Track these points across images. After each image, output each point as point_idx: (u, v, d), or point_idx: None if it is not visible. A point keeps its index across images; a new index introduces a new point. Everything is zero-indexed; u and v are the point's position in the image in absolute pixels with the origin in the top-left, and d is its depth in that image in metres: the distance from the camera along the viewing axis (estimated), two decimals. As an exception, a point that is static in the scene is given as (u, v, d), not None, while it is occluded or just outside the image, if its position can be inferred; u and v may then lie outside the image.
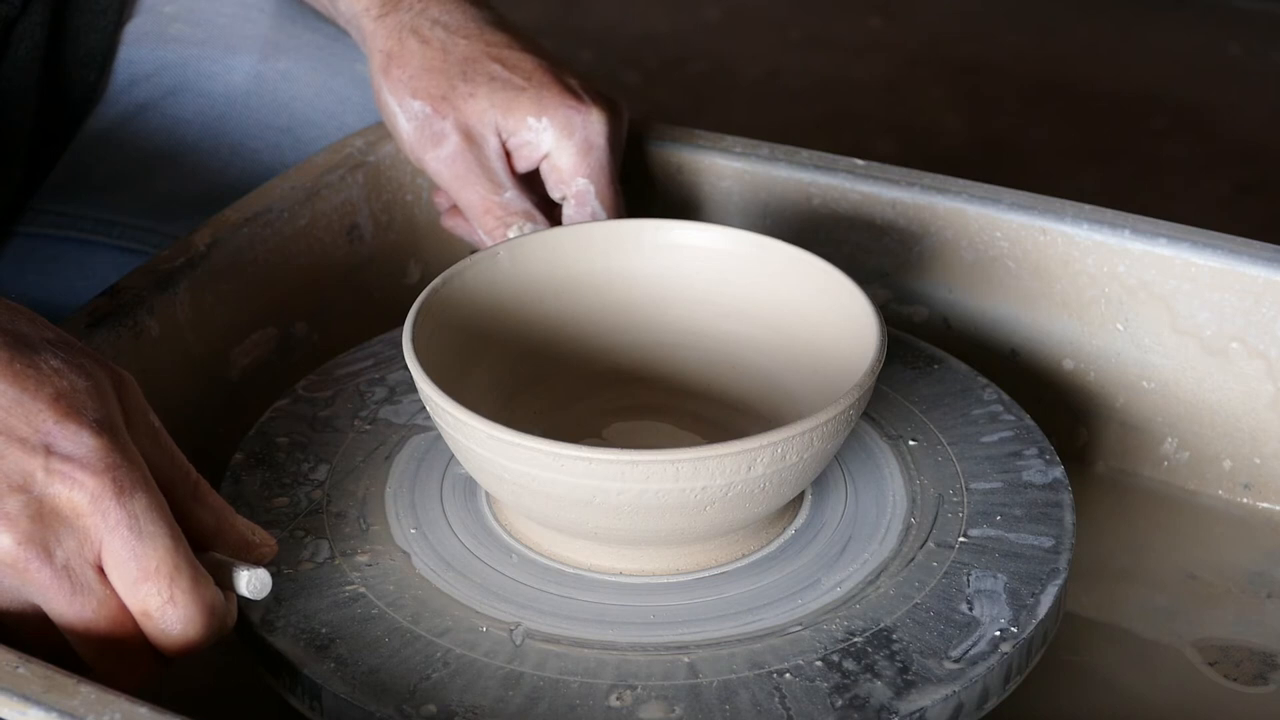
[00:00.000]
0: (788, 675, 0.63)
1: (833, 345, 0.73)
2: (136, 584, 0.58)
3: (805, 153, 0.92)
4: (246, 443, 0.76)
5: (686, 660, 0.64)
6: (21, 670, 0.56)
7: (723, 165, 0.93)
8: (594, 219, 0.81)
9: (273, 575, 0.68)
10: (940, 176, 0.89)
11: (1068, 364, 0.88)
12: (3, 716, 0.55)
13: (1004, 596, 0.67)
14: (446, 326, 0.72)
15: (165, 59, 0.99)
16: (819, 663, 0.64)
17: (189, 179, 0.97)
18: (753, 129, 1.02)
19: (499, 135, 0.84)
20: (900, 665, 0.63)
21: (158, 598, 0.58)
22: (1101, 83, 2.37)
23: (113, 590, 0.58)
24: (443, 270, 0.74)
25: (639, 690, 0.62)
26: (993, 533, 0.71)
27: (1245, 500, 0.86)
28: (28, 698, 0.55)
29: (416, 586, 0.68)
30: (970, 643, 0.65)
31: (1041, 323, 0.88)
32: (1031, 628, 0.66)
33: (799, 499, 0.73)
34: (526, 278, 0.76)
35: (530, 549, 0.70)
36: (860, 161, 0.90)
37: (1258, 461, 0.85)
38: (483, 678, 0.63)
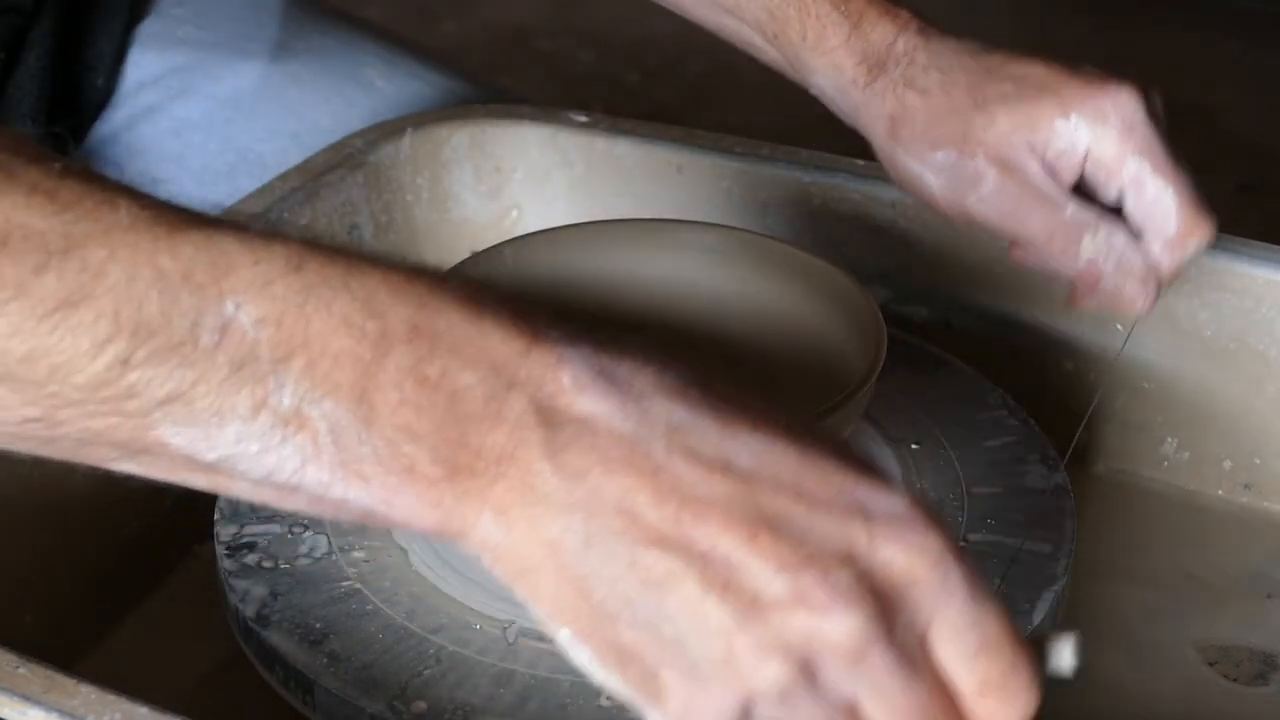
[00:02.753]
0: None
1: (833, 345, 0.73)
2: (976, 655, 0.47)
3: (805, 153, 0.92)
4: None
5: (686, 660, 0.64)
6: (21, 670, 0.56)
7: (723, 165, 0.93)
8: (1158, 203, 0.73)
9: (270, 571, 0.68)
10: (940, 176, 0.89)
11: (1068, 364, 0.88)
12: (3, 716, 0.55)
13: (1000, 601, 0.67)
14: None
15: (174, 62, 0.99)
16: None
17: (196, 182, 0.97)
18: (753, 129, 1.02)
19: (1035, 153, 0.75)
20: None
21: (1000, 666, 0.48)
22: (1102, 83, 2.37)
23: (938, 667, 0.48)
24: (443, 270, 0.74)
25: (637, 690, 0.62)
26: (992, 538, 0.71)
27: (1245, 500, 0.86)
28: (28, 698, 0.55)
29: (412, 583, 0.68)
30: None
31: (1041, 323, 0.88)
32: (1027, 633, 0.65)
33: (799, 499, 0.72)
34: (528, 277, 0.76)
35: (530, 549, 0.69)
36: (860, 161, 0.90)
37: (1258, 461, 0.85)
38: (474, 675, 0.63)
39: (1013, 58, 0.77)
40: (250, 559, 0.69)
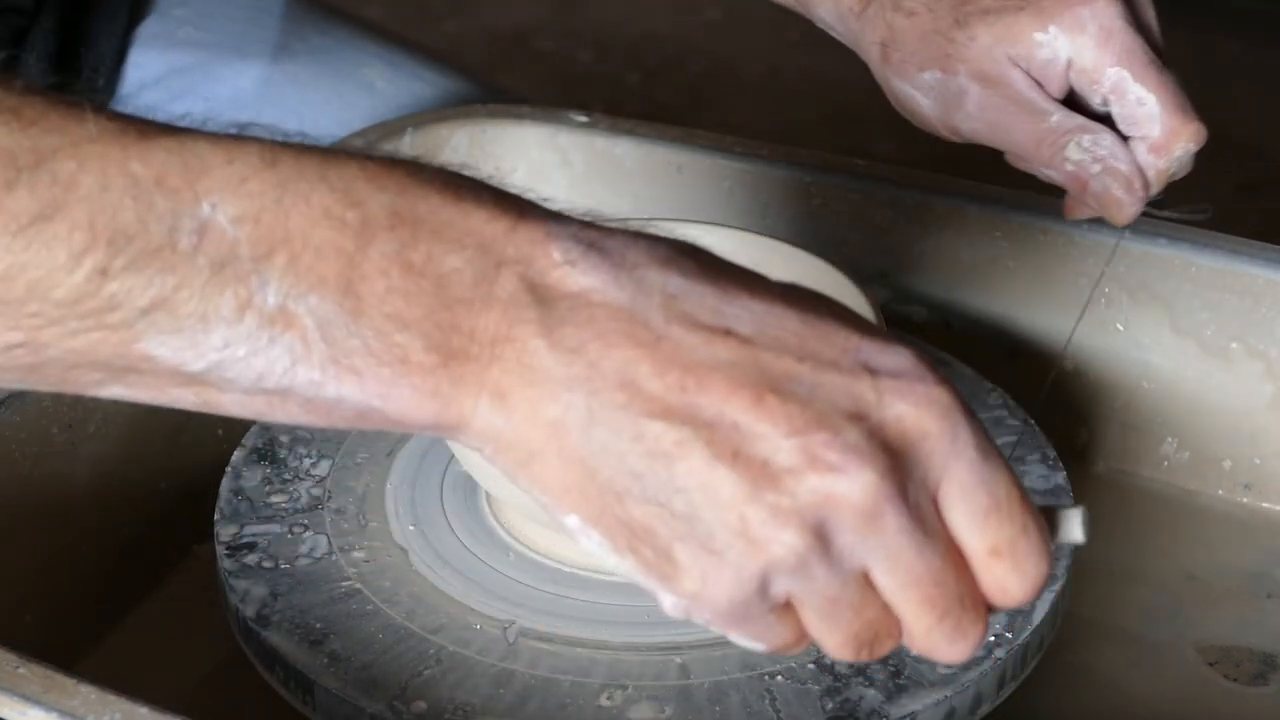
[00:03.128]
0: (779, 677, 0.63)
1: (833, 345, 0.73)
2: (986, 515, 0.46)
3: (805, 152, 0.92)
4: (249, 438, 0.76)
5: (679, 661, 0.64)
6: (21, 670, 0.56)
7: (723, 165, 0.93)
8: (1141, 106, 0.74)
9: (270, 571, 0.68)
10: (940, 176, 0.89)
11: (1068, 364, 0.88)
12: (3, 716, 0.55)
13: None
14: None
15: (175, 62, 0.99)
16: (811, 665, 0.63)
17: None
18: (753, 129, 1.02)
19: (1018, 66, 0.75)
20: (892, 669, 0.63)
21: (1011, 528, 0.46)
22: (1102, 83, 2.37)
23: (948, 529, 0.46)
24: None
25: (630, 690, 0.62)
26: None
27: (1245, 500, 0.86)
28: (28, 698, 0.55)
29: (412, 583, 0.68)
30: (967, 645, 0.65)
31: (1041, 323, 0.88)
32: (1027, 633, 0.65)
33: (799, 499, 0.72)
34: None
35: (528, 547, 0.69)
36: (860, 161, 0.90)
37: (1258, 461, 0.85)
38: (474, 675, 0.63)
39: None
40: (250, 559, 0.69)
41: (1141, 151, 0.74)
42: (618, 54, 2.50)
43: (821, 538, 0.44)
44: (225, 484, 0.73)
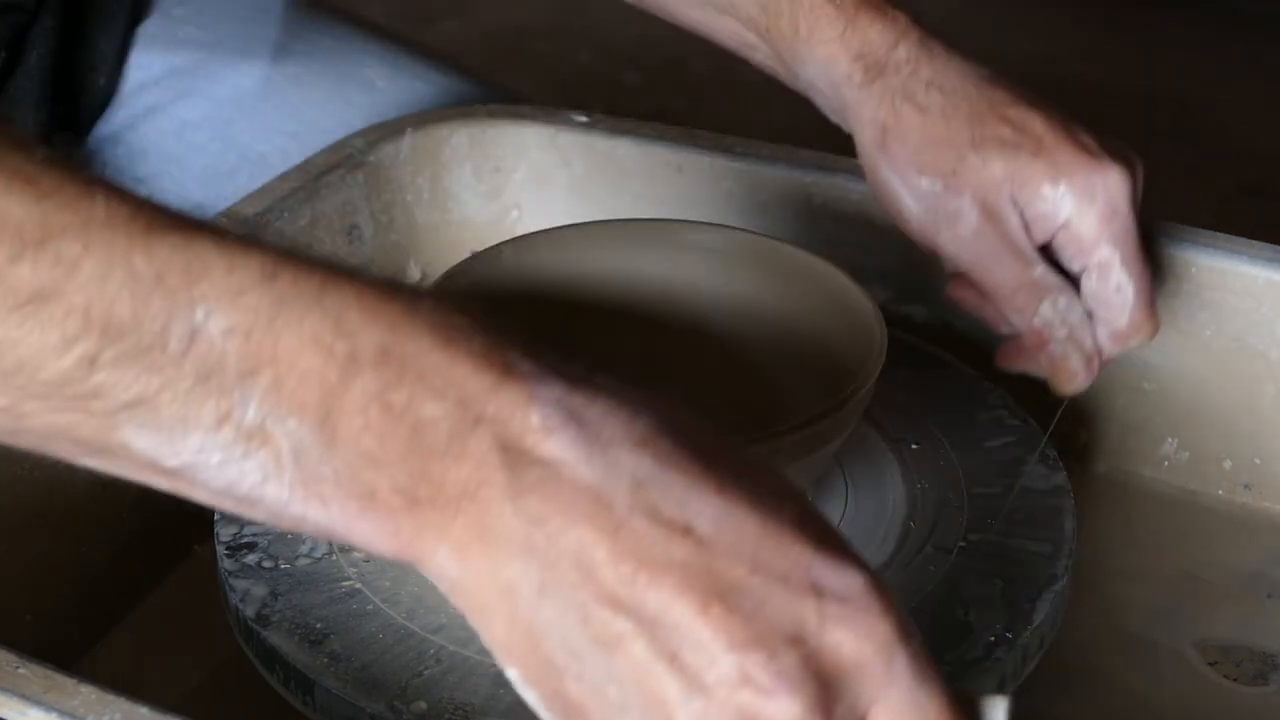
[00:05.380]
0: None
1: (833, 345, 0.73)
2: None
3: (805, 153, 0.92)
4: (246, 442, 0.76)
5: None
6: (21, 670, 0.56)
7: (723, 165, 0.93)
8: (1118, 293, 0.74)
9: (270, 571, 0.68)
10: (940, 176, 0.89)
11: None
12: (3, 716, 0.55)
13: (1000, 602, 0.67)
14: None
15: (175, 62, 0.99)
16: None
17: (197, 182, 0.97)
18: (753, 129, 1.02)
19: (1016, 207, 0.75)
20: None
21: None
22: (1102, 83, 2.37)
23: None
24: (443, 270, 0.74)
25: (637, 690, 0.62)
26: (992, 538, 0.71)
27: (1245, 500, 0.86)
28: (28, 698, 0.55)
29: (413, 583, 0.68)
30: (964, 647, 0.65)
31: (1041, 323, 0.88)
32: (1026, 634, 0.65)
33: (799, 499, 0.72)
34: (529, 277, 0.76)
35: (530, 549, 0.69)
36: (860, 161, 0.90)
37: (1258, 461, 0.85)
38: (474, 675, 0.63)
39: (1016, 99, 0.76)
40: (250, 559, 0.69)
41: (1102, 333, 0.75)
42: (618, 54, 2.50)
43: None
44: (225, 484, 0.73)
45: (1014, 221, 0.75)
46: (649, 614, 0.45)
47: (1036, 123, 0.75)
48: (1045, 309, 0.75)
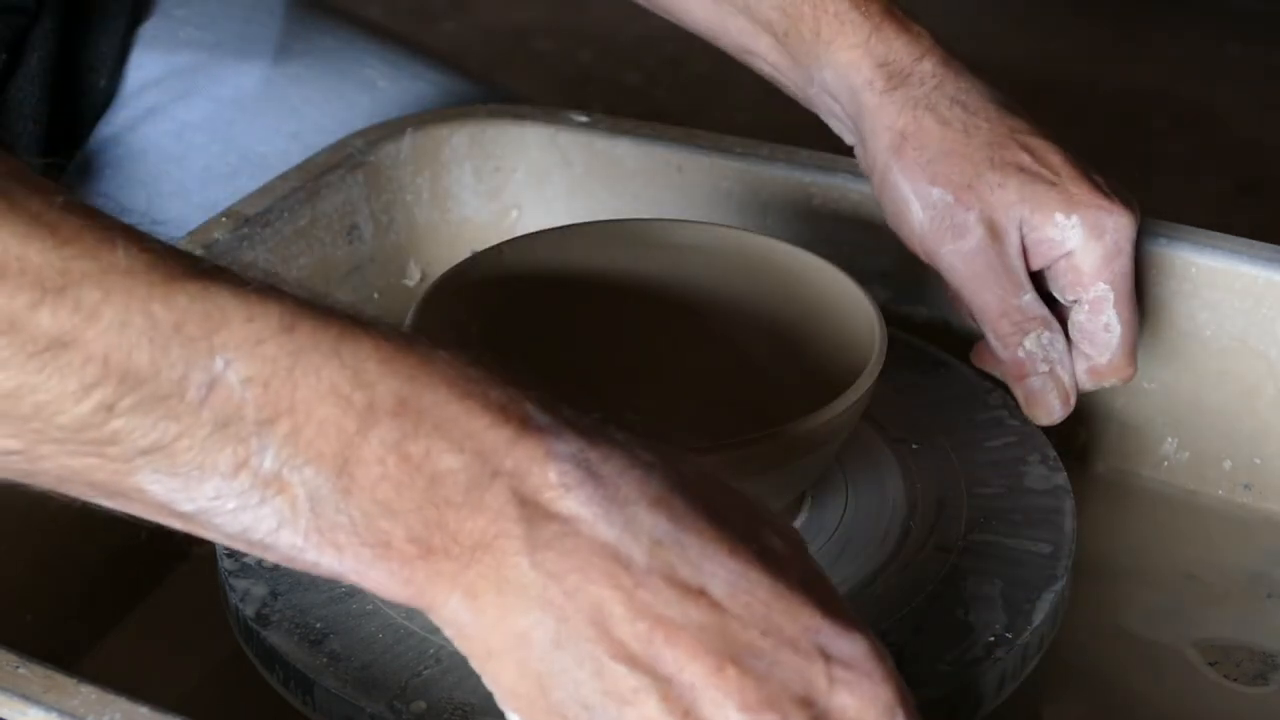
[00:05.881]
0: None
1: (833, 345, 0.73)
2: None
3: (805, 153, 0.92)
4: (246, 442, 0.76)
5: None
6: (21, 670, 0.56)
7: (723, 165, 0.93)
8: (1106, 331, 0.76)
9: (270, 571, 0.68)
10: (940, 176, 0.89)
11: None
12: (3, 716, 0.55)
13: (1000, 602, 0.67)
14: (447, 326, 0.72)
15: (176, 63, 0.99)
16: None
17: (198, 183, 0.97)
18: (753, 129, 1.02)
19: (1020, 230, 0.76)
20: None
21: None
22: (1101, 83, 2.37)
23: None
24: (443, 270, 0.74)
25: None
26: (992, 538, 0.71)
27: (1245, 500, 0.86)
28: (28, 698, 0.55)
29: (416, 586, 0.68)
30: (964, 647, 0.65)
31: (1041, 323, 0.88)
32: (1026, 634, 0.65)
33: (799, 501, 0.72)
34: (528, 277, 0.76)
35: (530, 549, 0.69)
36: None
37: (1258, 461, 0.85)
38: (474, 675, 0.62)
39: (1035, 130, 0.77)
40: (250, 559, 0.68)
41: (1080, 366, 0.76)
42: (618, 54, 2.50)
43: None
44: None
45: (1012, 245, 0.76)
46: (664, 671, 0.47)
47: (1055, 156, 0.76)
48: (1030, 340, 0.76)
